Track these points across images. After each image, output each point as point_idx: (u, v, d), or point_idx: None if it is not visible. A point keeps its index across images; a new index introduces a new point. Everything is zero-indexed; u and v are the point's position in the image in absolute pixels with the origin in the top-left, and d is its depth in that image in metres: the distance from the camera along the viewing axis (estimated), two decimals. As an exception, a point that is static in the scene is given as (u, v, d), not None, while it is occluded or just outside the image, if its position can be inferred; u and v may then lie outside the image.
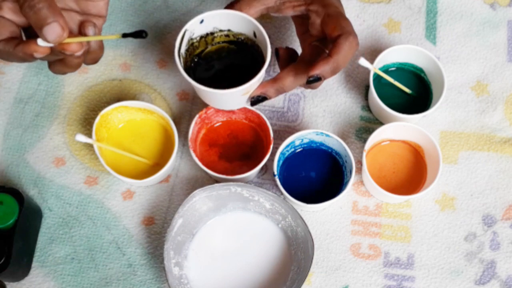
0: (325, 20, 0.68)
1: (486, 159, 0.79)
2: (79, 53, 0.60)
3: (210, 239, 0.74)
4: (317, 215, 0.76)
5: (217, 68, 0.71)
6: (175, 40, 0.67)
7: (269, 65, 0.79)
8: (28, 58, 0.60)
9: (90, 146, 0.78)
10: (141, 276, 0.74)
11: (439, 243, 0.75)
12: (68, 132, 0.79)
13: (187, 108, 0.80)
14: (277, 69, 0.81)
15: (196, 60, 0.71)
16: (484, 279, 0.74)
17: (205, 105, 0.74)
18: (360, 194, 0.77)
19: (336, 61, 0.66)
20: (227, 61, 0.72)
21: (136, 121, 0.77)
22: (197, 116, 0.74)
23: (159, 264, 0.74)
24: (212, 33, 0.70)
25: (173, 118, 0.80)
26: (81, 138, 0.69)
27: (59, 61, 0.65)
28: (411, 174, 0.77)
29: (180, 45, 0.67)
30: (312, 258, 0.69)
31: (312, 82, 0.67)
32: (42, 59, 0.61)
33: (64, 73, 0.67)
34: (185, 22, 0.67)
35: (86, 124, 0.79)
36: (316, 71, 0.66)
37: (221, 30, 0.70)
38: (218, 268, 0.73)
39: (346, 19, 0.68)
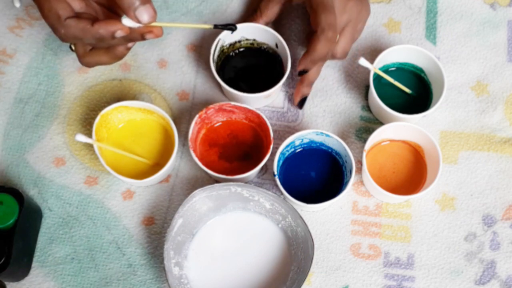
0: (309, 11, 0.72)
1: (486, 159, 0.79)
2: (159, 35, 0.63)
3: (210, 239, 0.74)
4: (317, 215, 0.76)
5: (242, 66, 0.81)
6: (210, 45, 0.76)
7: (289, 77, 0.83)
8: (107, 37, 0.61)
9: (90, 146, 0.78)
10: (141, 276, 0.74)
11: (439, 243, 0.75)
12: (68, 132, 0.79)
13: (187, 108, 0.80)
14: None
15: (225, 60, 0.80)
16: (484, 279, 0.74)
17: (205, 105, 0.73)
18: (360, 194, 0.77)
19: (313, 57, 0.71)
20: (251, 61, 0.80)
21: (136, 121, 0.77)
22: (197, 116, 0.74)
23: (159, 264, 0.74)
24: (239, 41, 0.79)
25: (173, 118, 0.80)
26: (81, 138, 0.69)
27: (103, 50, 0.66)
28: (411, 174, 0.77)
29: (214, 52, 0.76)
30: (312, 258, 0.69)
31: (302, 74, 0.74)
32: (113, 42, 0.63)
33: (97, 64, 0.68)
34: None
35: (86, 124, 0.79)
36: (300, 67, 0.73)
37: (247, 39, 0.79)
38: (218, 268, 0.73)
39: (327, 11, 0.69)
